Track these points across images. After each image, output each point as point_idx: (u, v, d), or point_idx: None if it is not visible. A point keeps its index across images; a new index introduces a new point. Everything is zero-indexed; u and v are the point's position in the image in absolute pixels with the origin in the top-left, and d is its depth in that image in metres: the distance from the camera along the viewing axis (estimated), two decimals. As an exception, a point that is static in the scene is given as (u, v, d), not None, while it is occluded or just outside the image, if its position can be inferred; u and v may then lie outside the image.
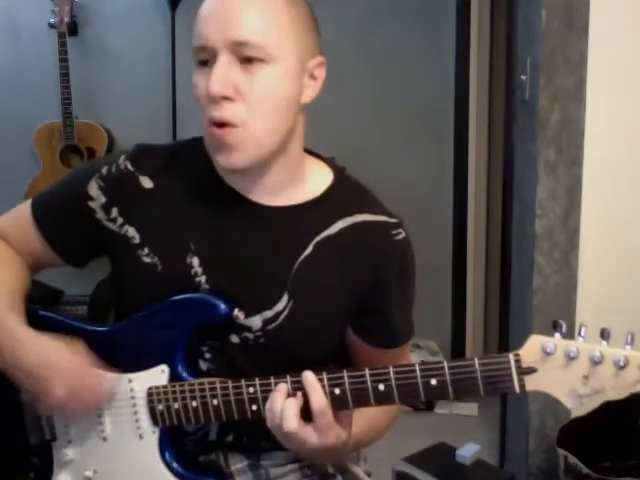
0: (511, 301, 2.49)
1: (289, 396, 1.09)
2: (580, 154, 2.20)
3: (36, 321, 1.25)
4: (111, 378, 1.21)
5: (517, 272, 2.42)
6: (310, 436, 1.08)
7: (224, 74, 1.11)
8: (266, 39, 1.12)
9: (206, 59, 1.14)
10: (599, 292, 2.26)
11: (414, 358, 1.38)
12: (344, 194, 1.26)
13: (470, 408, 3.18)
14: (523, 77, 2.25)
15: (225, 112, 1.12)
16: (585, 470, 1.97)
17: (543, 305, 2.25)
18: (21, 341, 1.19)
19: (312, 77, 1.20)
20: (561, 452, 2.07)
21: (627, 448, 2.15)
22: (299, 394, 1.09)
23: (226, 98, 1.12)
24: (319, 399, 1.07)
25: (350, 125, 3.47)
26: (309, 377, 1.09)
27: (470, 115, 3.45)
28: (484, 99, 3.45)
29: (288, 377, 1.10)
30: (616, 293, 2.25)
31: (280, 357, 1.21)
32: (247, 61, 1.12)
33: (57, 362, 1.18)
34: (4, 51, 3.58)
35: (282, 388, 1.10)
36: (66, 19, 3.35)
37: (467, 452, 2.24)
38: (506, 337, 2.69)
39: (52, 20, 3.36)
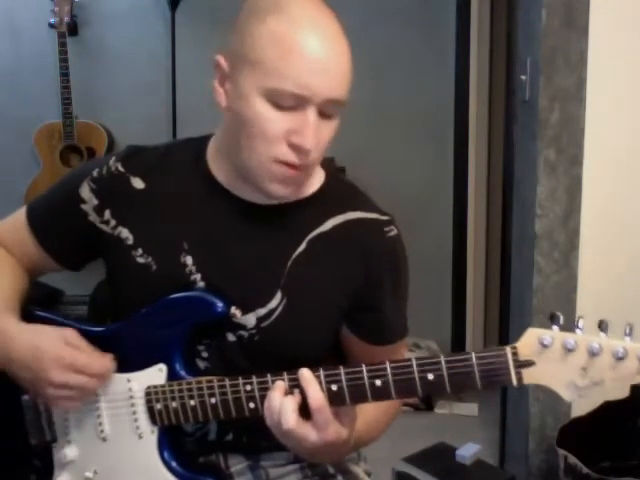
0: (511, 301, 2.49)
1: (287, 394, 1.09)
2: (580, 154, 2.20)
3: (34, 322, 1.25)
4: (103, 358, 1.20)
5: (517, 272, 2.42)
6: (309, 433, 1.07)
7: (317, 130, 1.12)
8: (347, 95, 1.16)
9: (288, 105, 1.11)
10: (599, 292, 2.26)
11: (414, 358, 1.37)
12: (336, 192, 1.27)
13: (470, 408, 3.18)
14: (523, 77, 2.25)
15: (307, 160, 1.14)
16: (585, 470, 1.97)
17: (543, 305, 2.25)
18: (13, 336, 1.20)
19: None
20: (561, 452, 2.06)
21: (627, 448, 2.15)
22: (296, 391, 1.08)
23: None
24: (316, 395, 1.07)
25: (350, 125, 3.44)
26: (305, 374, 1.08)
27: (470, 115, 3.45)
28: (484, 99, 3.45)
29: (285, 374, 1.10)
30: (616, 293, 2.25)
31: (276, 355, 1.21)
32: (326, 111, 1.14)
33: (48, 348, 1.17)
34: (4, 51, 3.59)
35: (280, 386, 1.09)
36: (66, 19, 3.35)
37: (467, 452, 2.24)
38: (506, 337, 2.69)
39: (52, 20, 3.36)
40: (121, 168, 1.27)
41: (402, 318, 1.31)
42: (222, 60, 1.17)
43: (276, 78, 1.10)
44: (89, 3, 3.53)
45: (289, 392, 1.09)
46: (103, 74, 3.58)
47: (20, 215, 1.34)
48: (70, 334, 1.20)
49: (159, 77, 3.55)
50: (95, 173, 1.27)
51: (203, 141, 1.28)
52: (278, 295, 1.21)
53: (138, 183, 1.27)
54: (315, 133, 1.12)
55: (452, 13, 3.46)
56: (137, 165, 1.27)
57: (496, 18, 3.40)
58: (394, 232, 1.26)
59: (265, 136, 1.13)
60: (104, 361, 1.20)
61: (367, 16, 3.45)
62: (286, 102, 1.11)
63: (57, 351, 1.17)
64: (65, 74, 3.34)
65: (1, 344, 1.20)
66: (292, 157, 1.13)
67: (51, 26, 3.37)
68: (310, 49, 1.10)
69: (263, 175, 1.16)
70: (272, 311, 1.21)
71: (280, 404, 1.07)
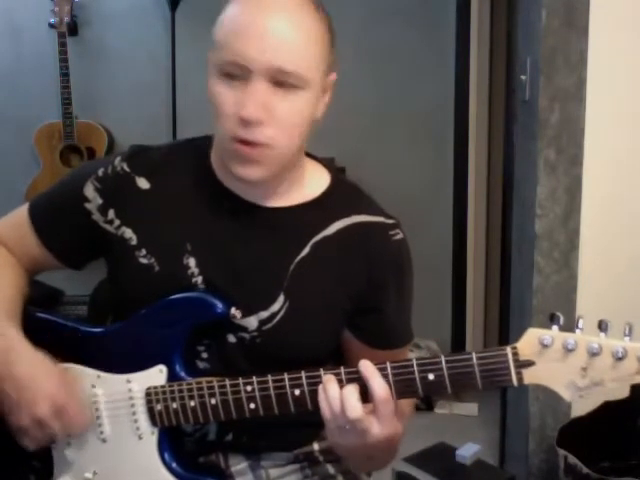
0: (511, 301, 2.49)
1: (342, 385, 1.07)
2: (580, 154, 2.20)
3: (34, 323, 1.25)
4: (85, 415, 1.20)
5: (517, 272, 2.42)
6: (373, 425, 1.05)
7: (261, 99, 1.10)
8: (307, 69, 1.12)
9: (235, 74, 1.11)
10: (599, 292, 2.26)
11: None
12: (341, 195, 1.27)
13: (470, 408, 3.18)
14: (523, 77, 2.25)
15: (257, 135, 1.12)
16: (585, 470, 1.97)
17: (543, 305, 2.25)
18: (16, 350, 1.19)
19: (324, 91, 1.20)
20: (561, 452, 2.06)
21: (627, 448, 2.15)
22: (353, 383, 1.06)
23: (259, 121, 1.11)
24: (382, 385, 1.05)
25: (350, 125, 3.47)
26: (369, 365, 1.06)
27: (470, 115, 3.45)
28: (484, 99, 3.45)
29: (322, 370, 1.09)
30: (616, 293, 2.25)
31: (277, 357, 1.21)
32: (281, 85, 1.11)
33: (46, 379, 1.18)
34: (4, 51, 3.58)
35: (332, 377, 1.08)
36: (66, 19, 3.35)
37: (467, 452, 2.25)
38: (506, 337, 2.69)
39: (52, 20, 3.36)
40: (127, 168, 1.27)
41: (406, 323, 1.31)
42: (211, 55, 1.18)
43: (222, 51, 1.12)
44: (89, 3, 3.53)
45: (345, 384, 1.07)
46: (103, 74, 3.57)
47: (22, 213, 1.33)
48: (68, 375, 1.21)
49: (159, 77, 3.55)
50: (100, 172, 1.27)
51: (206, 141, 1.28)
52: (281, 298, 1.21)
53: (143, 183, 1.26)
54: (259, 103, 1.10)
55: (452, 13, 3.45)
56: (142, 165, 1.27)
57: (496, 18, 3.40)
58: (399, 236, 1.25)
59: (221, 113, 1.13)
60: (85, 418, 1.20)
61: (367, 16, 3.45)
62: (232, 72, 1.11)
63: (53, 390, 1.17)
64: (65, 74, 3.34)
65: (3, 355, 1.19)
66: (241, 132, 1.12)
67: (51, 26, 3.37)
68: (250, 19, 1.11)
69: (228, 156, 1.16)
70: (274, 314, 1.21)
71: (342, 394, 1.05)
